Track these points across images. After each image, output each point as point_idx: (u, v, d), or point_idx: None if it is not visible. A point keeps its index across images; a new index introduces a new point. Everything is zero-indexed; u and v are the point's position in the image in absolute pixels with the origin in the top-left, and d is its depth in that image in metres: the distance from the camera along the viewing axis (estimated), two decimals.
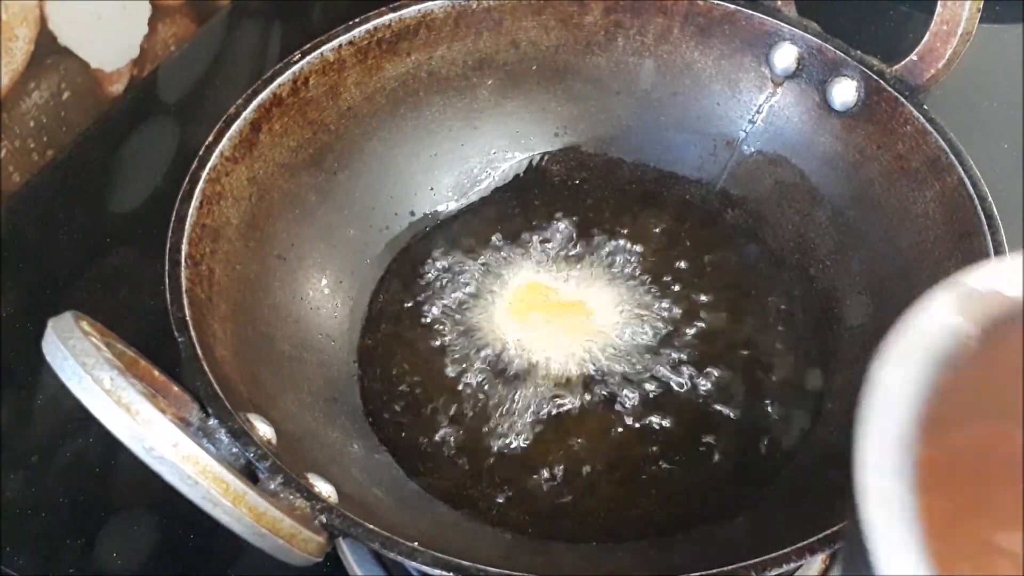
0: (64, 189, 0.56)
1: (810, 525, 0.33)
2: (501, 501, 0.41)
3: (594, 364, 0.45)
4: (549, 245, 0.50)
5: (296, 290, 0.45)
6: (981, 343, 0.18)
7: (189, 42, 0.64)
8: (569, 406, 0.44)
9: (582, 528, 0.41)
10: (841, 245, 0.48)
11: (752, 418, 0.44)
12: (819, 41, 0.48)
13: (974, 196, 0.41)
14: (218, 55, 0.64)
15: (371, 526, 0.32)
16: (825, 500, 0.36)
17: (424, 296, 0.48)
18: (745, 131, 0.51)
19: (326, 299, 0.47)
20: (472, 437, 0.43)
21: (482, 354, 0.46)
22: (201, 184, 0.41)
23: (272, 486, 0.32)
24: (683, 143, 0.52)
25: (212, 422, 0.33)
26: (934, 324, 0.18)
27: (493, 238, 0.50)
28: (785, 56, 0.49)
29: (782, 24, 0.49)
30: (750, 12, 0.49)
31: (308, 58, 0.46)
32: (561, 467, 0.42)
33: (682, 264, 0.49)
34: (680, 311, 0.47)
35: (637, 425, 0.43)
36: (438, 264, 0.49)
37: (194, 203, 0.41)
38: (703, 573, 0.31)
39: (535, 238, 0.50)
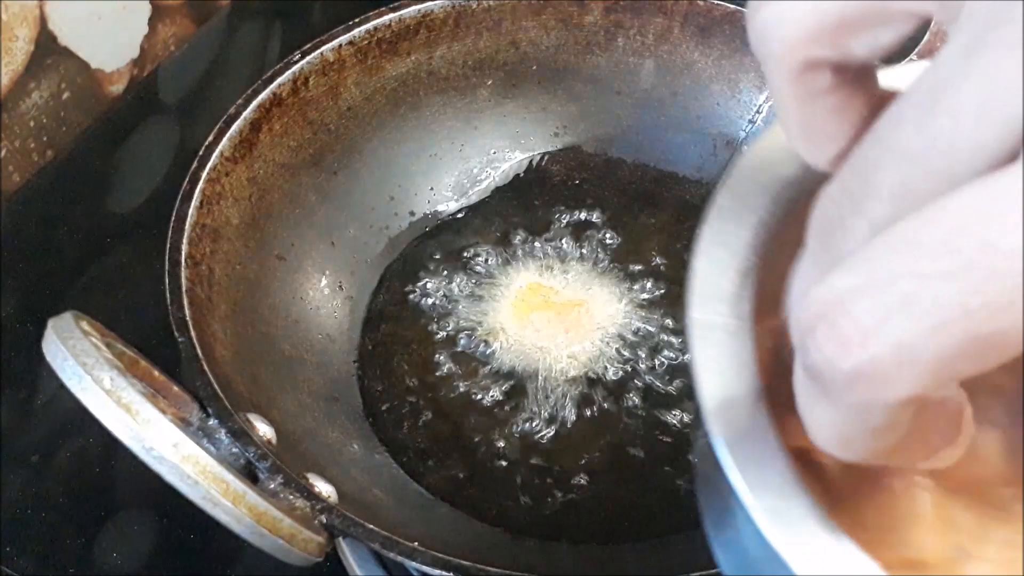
0: (64, 189, 0.56)
1: None
2: (501, 501, 0.42)
3: (595, 364, 0.45)
4: (549, 245, 0.50)
5: (296, 290, 0.45)
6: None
7: (189, 42, 0.64)
8: (570, 406, 0.44)
9: (582, 528, 0.41)
10: None
11: None
12: None
13: None
14: (218, 55, 0.64)
15: (371, 526, 0.32)
16: None
17: (424, 296, 0.48)
18: (745, 131, 0.51)
19: (326, 299, 0.47)
20: (472, 437, 0.43)
21: (483, 354, 0.46)
22: (201, 184, 0.41)
23: (272, 486, 0.32)
24: (683, 143, 0.52)
25: (212, 422, 0.33)
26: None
27: (493, 238, 0.50)
28: None
29: None
30: None
31: (308, 58, 0.46)
32: (562, 467, 0.42)
33: (682, 264, 0.49)
34: (680, 311, 0.47)
35: (638, 425, 0.43)
36: (438, 264, 0.49)
37: (194, 203, 0.41)
38: (703, 573, 0.31)
39: (535, 238, 0.50)
